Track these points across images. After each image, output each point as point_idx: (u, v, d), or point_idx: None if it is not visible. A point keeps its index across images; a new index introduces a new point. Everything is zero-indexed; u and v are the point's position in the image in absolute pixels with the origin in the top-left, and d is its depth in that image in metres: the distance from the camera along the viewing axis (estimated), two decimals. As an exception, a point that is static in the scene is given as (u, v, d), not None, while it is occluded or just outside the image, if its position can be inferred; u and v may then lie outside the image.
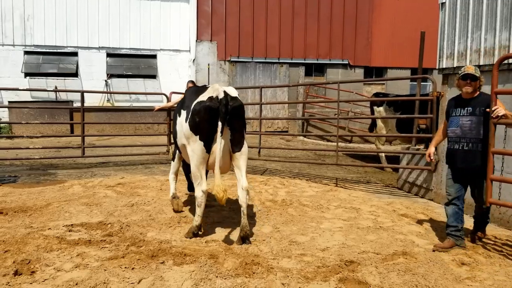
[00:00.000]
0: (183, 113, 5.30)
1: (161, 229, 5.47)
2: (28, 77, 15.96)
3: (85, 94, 16.18)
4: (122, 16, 16.89)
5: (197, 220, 5.21)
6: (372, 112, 11.51)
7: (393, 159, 11.10)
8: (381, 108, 11.17)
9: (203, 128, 4.93)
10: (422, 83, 15.13)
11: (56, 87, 15.50)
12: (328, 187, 8.23)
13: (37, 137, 12.90)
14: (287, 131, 17.55)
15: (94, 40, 16.62)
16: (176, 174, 6.58)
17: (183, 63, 17.45)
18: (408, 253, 4.73)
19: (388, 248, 4.90)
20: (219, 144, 4.83)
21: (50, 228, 5.35)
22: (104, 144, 12.68)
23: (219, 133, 4.83)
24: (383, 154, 11.14)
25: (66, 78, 16.27)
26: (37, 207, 6.26)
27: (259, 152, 9.88)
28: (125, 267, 4.22)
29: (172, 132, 6.82)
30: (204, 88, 5.29)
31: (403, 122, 10.38)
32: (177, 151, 6.16)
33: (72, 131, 14.92)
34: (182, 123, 5.27)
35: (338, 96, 8.78)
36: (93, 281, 3.91)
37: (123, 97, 16.65)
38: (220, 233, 5.40)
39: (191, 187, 6.87)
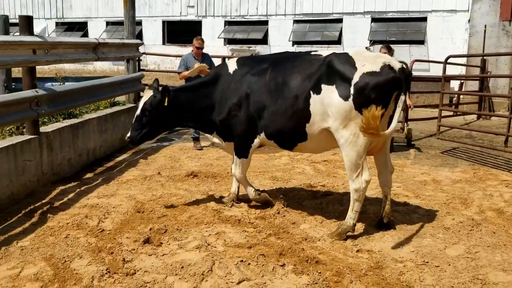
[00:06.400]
0: (330, 88, 4.11)
1: (322, 223, 4.65)
2: (295, 46, 16.76)
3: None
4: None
5: (353, 217, 4.23)
6: None
7: None
8: None
9: (379, 105, 3.89)
10: None
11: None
12: None
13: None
14: None
15: (360, 5, 15.97)
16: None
17: (459, 26, 14.93)
18: None
19: None
20: (395, 123, 4.04)
21: (215, 199, 5.27)
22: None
23: (399, 110, 3.99)
24: None
25: (329, 45, 16.33)
26: (228, 175, 6.31)
27: (506, 141, 7.43)
28: (241, 261, 3.72)
29: (243, 117, 4.69)
30: (342, 55, 4.27)
31: None
32: (247, 144, 4.79)
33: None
34: (331, 102, 4.10)
35: None
36: (195, 268, 3.60)
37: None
38: (386, 242, 4.19)
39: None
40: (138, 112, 4.78)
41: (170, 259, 3.79)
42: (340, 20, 16.33)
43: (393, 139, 8.27)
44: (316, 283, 3.31)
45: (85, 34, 20.99)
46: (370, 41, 15.72)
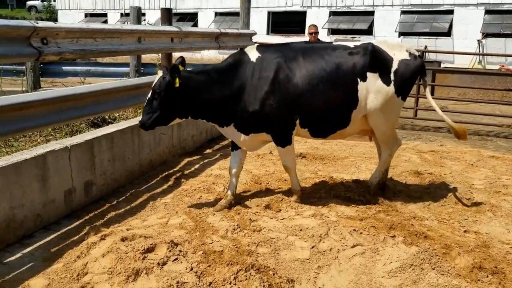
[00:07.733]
0: (374, 75, 4.52)
1: (429, 205, 4.90)
2: (401, 36, 16.49)
3: (455, 55, 15.42)
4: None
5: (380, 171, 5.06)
6: None
7: None
8: None
9: (410, 88, 4.79)
10: None
11: (425, 47, 15.43)
12: None
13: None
14: None
15: (472, -5, 15.28)
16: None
17: None
18: None
19: None
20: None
21: (324, 178, 5.70)
22: (456, 109, 11.84)
23: (427, 90, 5.06)
24: None
25: (437, 37, 15.84)
26: (334, 158, 6.73)
27: None
28: (354, 230, 4.13)
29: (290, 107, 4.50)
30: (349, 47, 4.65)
31: None
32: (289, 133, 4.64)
33: (432, 92, 14.59)
34: (376, 88, 4.53)
35: None
36: (313, 232, 4.06)
37: (499, 59, 14.75)
38: (494, 227, 4.36)
39: None
40: (149, 95, 4.32)
41: (289, 222, 4.31)
42: (451, 12, 15.74)
43: None
44: (426, 251, 3.62)
45: (195, 24, 22.42)
46: (483, 33, 14.99)
